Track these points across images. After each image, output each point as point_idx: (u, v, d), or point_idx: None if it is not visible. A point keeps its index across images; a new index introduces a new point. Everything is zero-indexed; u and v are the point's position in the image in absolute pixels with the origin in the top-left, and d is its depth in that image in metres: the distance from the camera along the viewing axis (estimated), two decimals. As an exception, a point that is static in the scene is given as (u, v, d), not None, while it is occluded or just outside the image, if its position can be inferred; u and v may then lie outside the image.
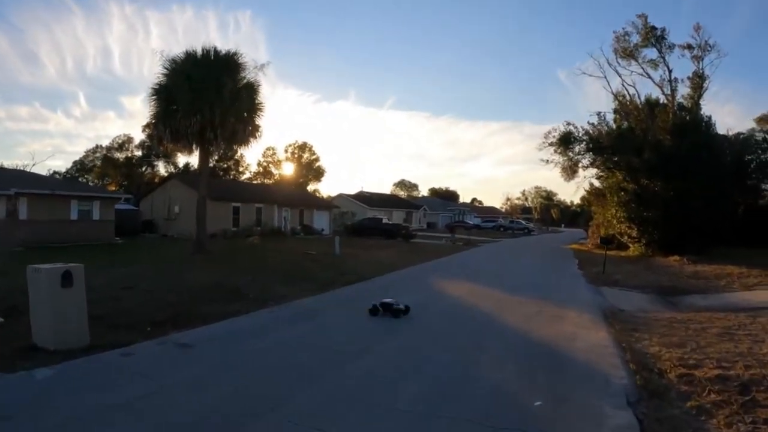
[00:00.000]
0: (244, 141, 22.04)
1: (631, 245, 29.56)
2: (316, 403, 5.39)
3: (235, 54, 21.41)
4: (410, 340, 8.42)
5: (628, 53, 32.33)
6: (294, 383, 5.97)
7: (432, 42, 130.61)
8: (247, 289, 12.41)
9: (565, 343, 8.34)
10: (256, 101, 21.99)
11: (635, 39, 32.09)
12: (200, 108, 19.84)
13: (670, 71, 31.58)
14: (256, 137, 22.30)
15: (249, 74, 21.84)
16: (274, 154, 74.08)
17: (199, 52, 21.08)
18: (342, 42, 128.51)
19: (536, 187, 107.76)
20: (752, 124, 38.86)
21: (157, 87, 20.86)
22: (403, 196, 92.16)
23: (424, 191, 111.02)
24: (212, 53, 21.17)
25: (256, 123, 22.09)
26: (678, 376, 6.52)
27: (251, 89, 21.83)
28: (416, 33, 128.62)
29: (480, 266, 22.23)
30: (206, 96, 19.94)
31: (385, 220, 45.26)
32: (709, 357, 7.26)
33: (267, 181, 69.45)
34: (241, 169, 68.84)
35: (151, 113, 20.92)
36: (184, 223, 31.78)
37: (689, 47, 31.14)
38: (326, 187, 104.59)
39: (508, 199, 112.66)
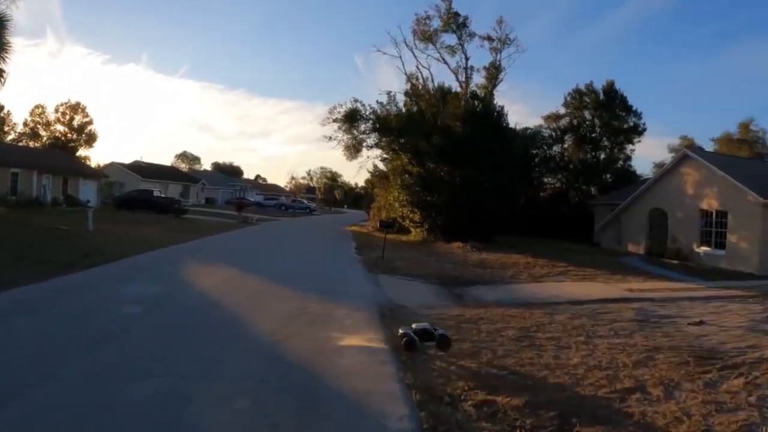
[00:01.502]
0: None
1: (413, 230, 29.82)
2: None
3: None
4: (115, 358, 5.71)
5: (427, 37, 32.30)
6: None
7: (230, 13, 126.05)
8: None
9: (327, 358, 6.11)
10: (3, 39, 19.14)
11: (437, 24, 32.25)
12: None
13: (467, 59, 32.28)
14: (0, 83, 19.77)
15: None
16: (44, 113, 63.57)
17: None
18: (139, 1, 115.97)
19: (321, 168, 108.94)
20: (540, 122, 42.99)
21: None
22: (184, 169, 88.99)
23: (207, 165, 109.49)
24: None
25: (1, 66, 19.31)
26: (476, 406, 4.86)
27: None
28: (215, 1, 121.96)
29: (249, 248, 20.42)
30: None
31: (157, 193, 43.12)
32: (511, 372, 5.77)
33: (34, 143, 60.50)
34: (6, 129, 61.51)
35: None
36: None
37: (489, 38, 32.15)
38: (103, 155, 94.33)
39: (292, 178, 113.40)
